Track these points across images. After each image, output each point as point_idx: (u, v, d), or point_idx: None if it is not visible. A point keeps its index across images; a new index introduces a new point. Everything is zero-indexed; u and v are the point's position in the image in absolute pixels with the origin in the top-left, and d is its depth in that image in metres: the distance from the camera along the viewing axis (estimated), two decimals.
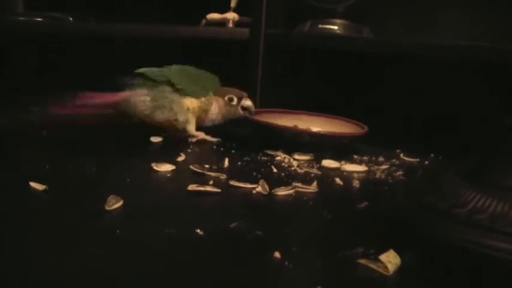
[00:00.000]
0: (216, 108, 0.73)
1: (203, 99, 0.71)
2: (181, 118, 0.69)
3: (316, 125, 0.78)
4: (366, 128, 0.74)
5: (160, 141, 0.72)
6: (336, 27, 0.89)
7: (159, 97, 0.68)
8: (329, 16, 0.90)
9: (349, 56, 0.92)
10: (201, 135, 0.73)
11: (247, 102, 0.74)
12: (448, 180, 0.38)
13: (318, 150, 0.69)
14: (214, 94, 0.73)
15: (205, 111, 0.72)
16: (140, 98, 0.67)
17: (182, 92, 0.69)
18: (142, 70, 0.69)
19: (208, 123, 0.75)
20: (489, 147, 0.41)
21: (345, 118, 0.80)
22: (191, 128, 0.71)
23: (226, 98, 0.73)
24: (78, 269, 0.32)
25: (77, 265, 0.33)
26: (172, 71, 0.71)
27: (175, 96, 0.69)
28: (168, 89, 0.69)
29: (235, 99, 0.73)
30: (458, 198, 0.34)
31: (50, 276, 0.31)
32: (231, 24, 0.95)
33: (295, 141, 0.70)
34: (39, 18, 1.06)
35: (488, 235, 0.31)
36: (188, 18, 0.96)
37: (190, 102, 0.70)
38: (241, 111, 0.74)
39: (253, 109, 0.74)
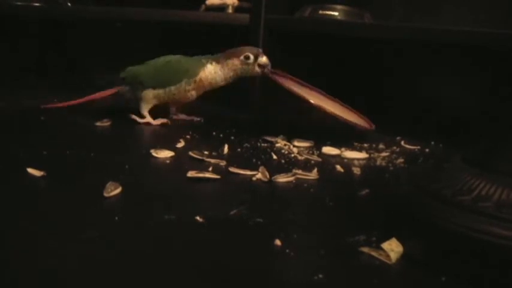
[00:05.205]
0: (216, 73, 0.73)
1: (172, 87, 0.74)
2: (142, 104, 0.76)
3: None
4: (373, 126, 0.74)
5: (108, 125, 0.73)
6: (336, 13, 0.88)
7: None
8: (330, 1, 0.89)
9: (350, 42, 0.91)
10: (148, 119, 0.75)
11: (263, 60, 0.73)
12: (452, 167, 0.37)
13: (322, 133, 0.69)
14: (225, 57, 0.73)
15: (185, 92, 0.75)
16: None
17: (147, 85, 0.75)
18: (123, 74, 0.78)
19: (221, 84, 0.75)
20: (494, 134, 0.41)
21: (351, 108, 0.79)
22: (144, 109, 0.76)
23: (242, 57, 0.72)
24: (76, 256, 0.32)
25: (75, 252, 0.32)
26: (144, 70, 0.76)
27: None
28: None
29: (252, 57, 0.72)
30: (463, 185, 0.34)
31: (48, 263, 0.31)
32: (230, 10, 0.94)
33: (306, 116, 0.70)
34: (37, 3, 1.05)
35: (493, 223, 0.30)
36: (187, 3, 0.95)
37: (152, 93, 0.75)
38: (257, 69, 0.73)
39: (269, 66, 0.73)
